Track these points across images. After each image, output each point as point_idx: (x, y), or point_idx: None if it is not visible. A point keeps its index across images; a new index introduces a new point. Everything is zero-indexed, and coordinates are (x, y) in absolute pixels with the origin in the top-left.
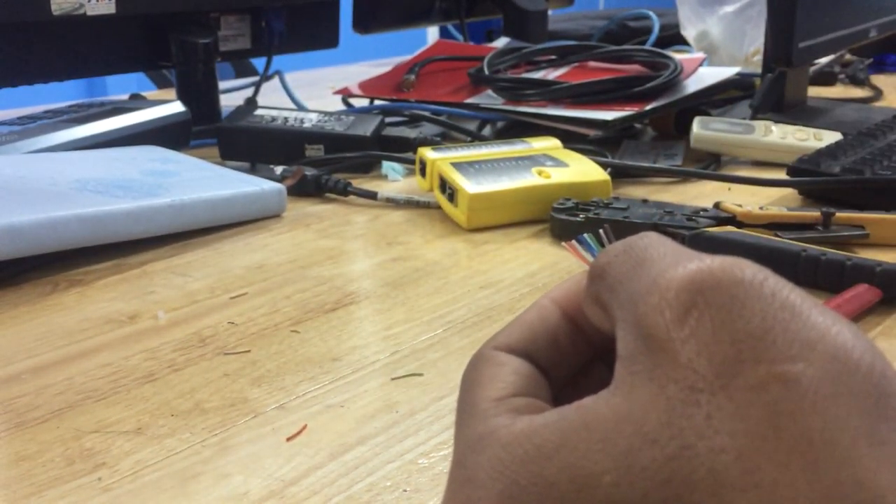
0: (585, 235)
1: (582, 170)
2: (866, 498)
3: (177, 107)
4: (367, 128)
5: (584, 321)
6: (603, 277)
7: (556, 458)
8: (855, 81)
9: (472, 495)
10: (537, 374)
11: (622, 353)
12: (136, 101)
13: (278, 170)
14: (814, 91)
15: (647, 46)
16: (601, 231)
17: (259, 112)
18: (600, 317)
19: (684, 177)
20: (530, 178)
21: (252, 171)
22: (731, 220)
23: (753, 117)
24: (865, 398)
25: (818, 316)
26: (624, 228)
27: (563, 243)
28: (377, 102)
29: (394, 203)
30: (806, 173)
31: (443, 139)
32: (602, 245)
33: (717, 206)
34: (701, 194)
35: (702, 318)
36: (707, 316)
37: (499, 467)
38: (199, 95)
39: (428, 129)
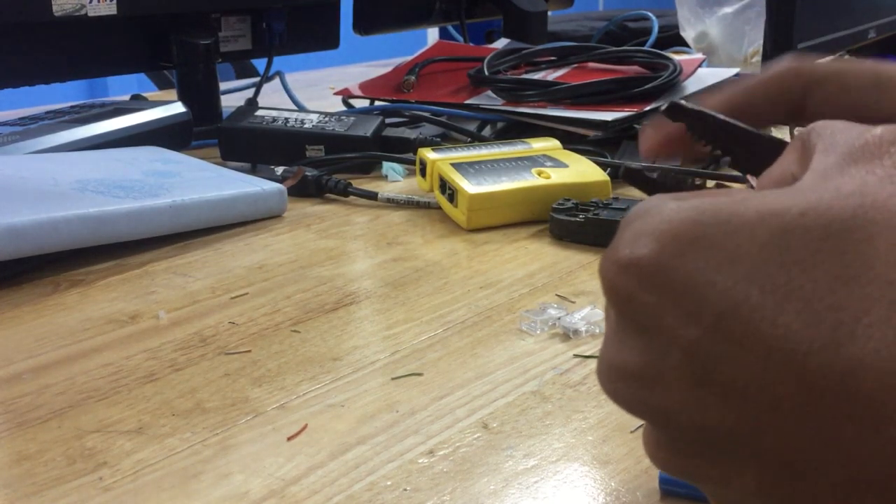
0: None
1: (581, 170)
2: None
3: (178, 107)
4: (367, 128)
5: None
6: (813, 129)
7: (746, 201)
8: None
9: (647, 225)
10: None
11: (820, 164)
12: (138, 102)
13: (279, 170)
14: None
15: (647, 47)
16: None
17: (260, 113)
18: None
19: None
20: (530, 179)
21: (253, 171)
22: None
23: None
24: None
25: None
26: None
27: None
28: (377, 103)
29: (394, 203)
30: None
31: (443, 140)
32: None
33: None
34: None
35: None
36: None
37: (684, 205)
38: (200, 96)
39: (428, 130)
